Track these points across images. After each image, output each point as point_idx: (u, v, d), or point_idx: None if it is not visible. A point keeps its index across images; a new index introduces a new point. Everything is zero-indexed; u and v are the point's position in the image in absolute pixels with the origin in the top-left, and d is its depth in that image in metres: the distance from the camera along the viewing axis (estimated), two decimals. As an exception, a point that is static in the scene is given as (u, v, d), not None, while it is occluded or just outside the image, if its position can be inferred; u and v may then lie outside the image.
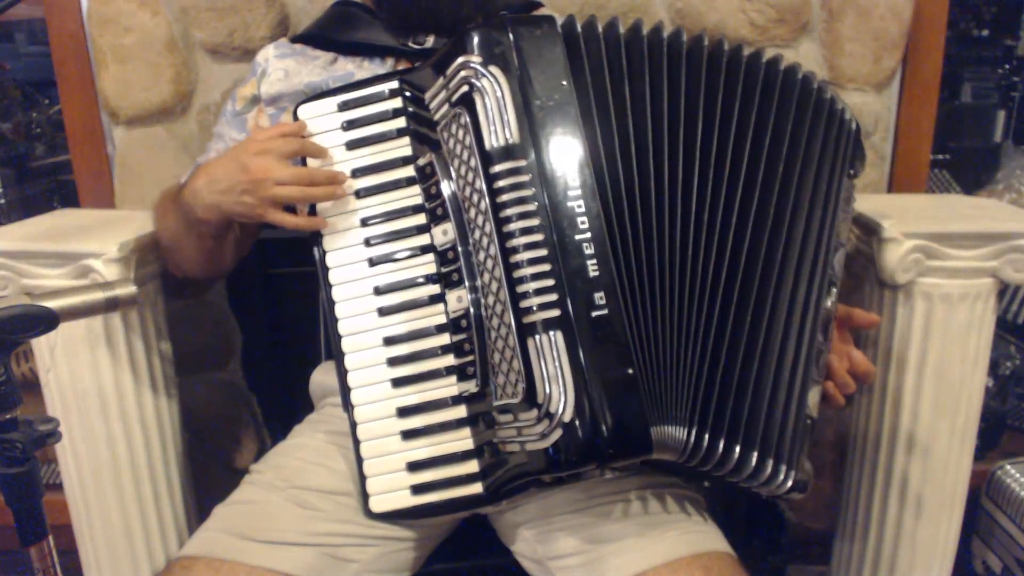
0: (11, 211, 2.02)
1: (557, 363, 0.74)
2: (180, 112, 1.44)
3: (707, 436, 0.81)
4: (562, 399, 0.74)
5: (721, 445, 0.82)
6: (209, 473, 1.56)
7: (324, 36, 1.10)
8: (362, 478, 0.90)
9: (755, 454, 0.83)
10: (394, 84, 0.90)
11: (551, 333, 0.75)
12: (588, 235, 0.77)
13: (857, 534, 1.32)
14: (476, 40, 0.79)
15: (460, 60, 0.79)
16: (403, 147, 0.90)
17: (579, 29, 0.83)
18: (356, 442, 0.90)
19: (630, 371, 0.76)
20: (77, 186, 1.50)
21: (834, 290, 0.93)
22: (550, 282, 0.75)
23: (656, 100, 0.83)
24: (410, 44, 1.06)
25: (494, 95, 0.77)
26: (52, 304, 0.66)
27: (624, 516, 0.91)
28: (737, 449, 0.82)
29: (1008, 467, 1.53)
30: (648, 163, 0.82)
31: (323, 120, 0.92)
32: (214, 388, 1.57)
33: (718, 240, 0.84)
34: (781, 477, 0.85)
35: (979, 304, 1.17)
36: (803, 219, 0.88)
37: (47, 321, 0.66)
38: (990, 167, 1.90)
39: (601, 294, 0.76)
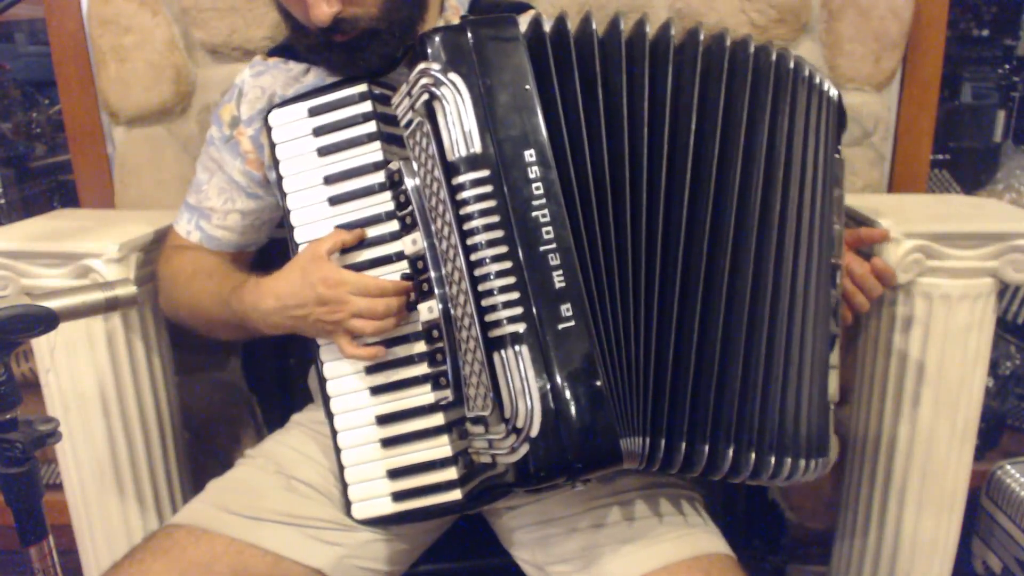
0: (11, 211, 2.02)
1: (524, 377, 0.73)
2: (180, 112, 1.44)
3: (683, 443, 0.80)
4: (529, 414, 0.72)
5: (706, 449, 0.80)
6: (209, 473, 1.55)
7: (294, 48, 1.08)
8: (344, 485, 0.91)
9: (753, 454, 0.82)
10: (363, 88, 0.88)
11: (517, 347, 0.73)
12: (554, 245, 0.74)
13: (857, 534, 1.32)
14: (435, 45, 0.76)
15: (420, 67, 0.76)
16: (374, 152, 0.88)
17: (545, 28, 0.79)
18: (337, 450, 0.91)
19: (598, 383, 0.74)
20: (77, 186, 1.49)
21: (839, 273, 0.93)
22: (515, 295, 0.74)
23: (633, 100, 0.80)
24: None
25: (454, 103, 0.75)
26: (52, 304, 0.66)
27: (622, 519, 0.91)
28: (731, 451, 0.81)
29: (1008, 467, 1.52)
30: (623, 168, 0.79)
31: (293, 127, 0.91)
32: (214, 388, 1.56)
33: (708, 243, 0.81)
34: (803, 467, 0.86)
35: (979, 304, 1.17)
36: (794, 210, 0.86)
37: (47, 321, 0.66)
38: (990, 167, 1.90)
39: (567, 305, 0.74)
